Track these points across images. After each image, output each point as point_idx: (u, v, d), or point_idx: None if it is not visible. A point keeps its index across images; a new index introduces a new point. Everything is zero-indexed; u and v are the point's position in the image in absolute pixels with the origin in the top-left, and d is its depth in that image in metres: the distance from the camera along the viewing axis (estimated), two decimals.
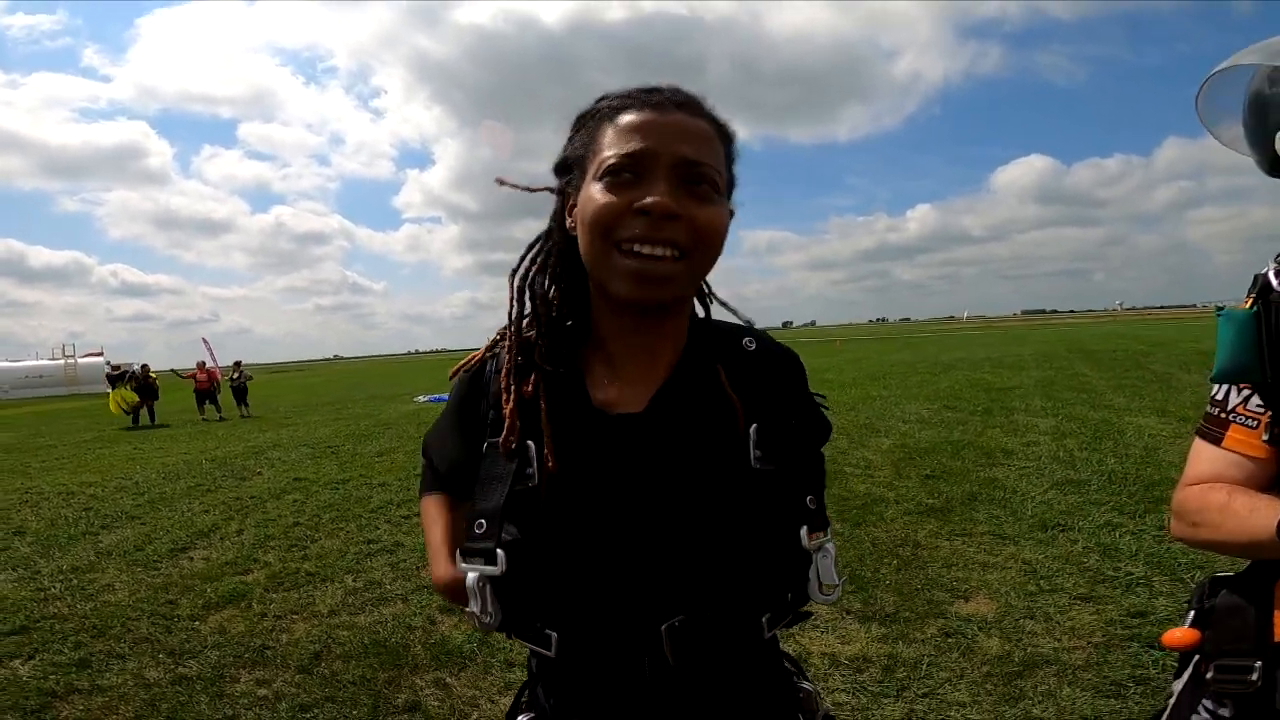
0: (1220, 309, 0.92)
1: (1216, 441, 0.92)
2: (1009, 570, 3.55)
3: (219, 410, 16.61)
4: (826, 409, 0.84)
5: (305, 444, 10.50)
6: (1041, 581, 3.37)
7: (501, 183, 0.85)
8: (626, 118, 0.69)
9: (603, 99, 0.74)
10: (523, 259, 0.79)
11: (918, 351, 25.53)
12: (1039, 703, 2.36)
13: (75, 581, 4.35)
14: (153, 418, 15.80)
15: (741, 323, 0.83)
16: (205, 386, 16.64)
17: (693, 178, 0.68)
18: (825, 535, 0.73)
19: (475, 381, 0.80)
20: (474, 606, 0.70)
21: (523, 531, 0.68)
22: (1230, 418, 0.91)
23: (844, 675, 2.63)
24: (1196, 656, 1.01)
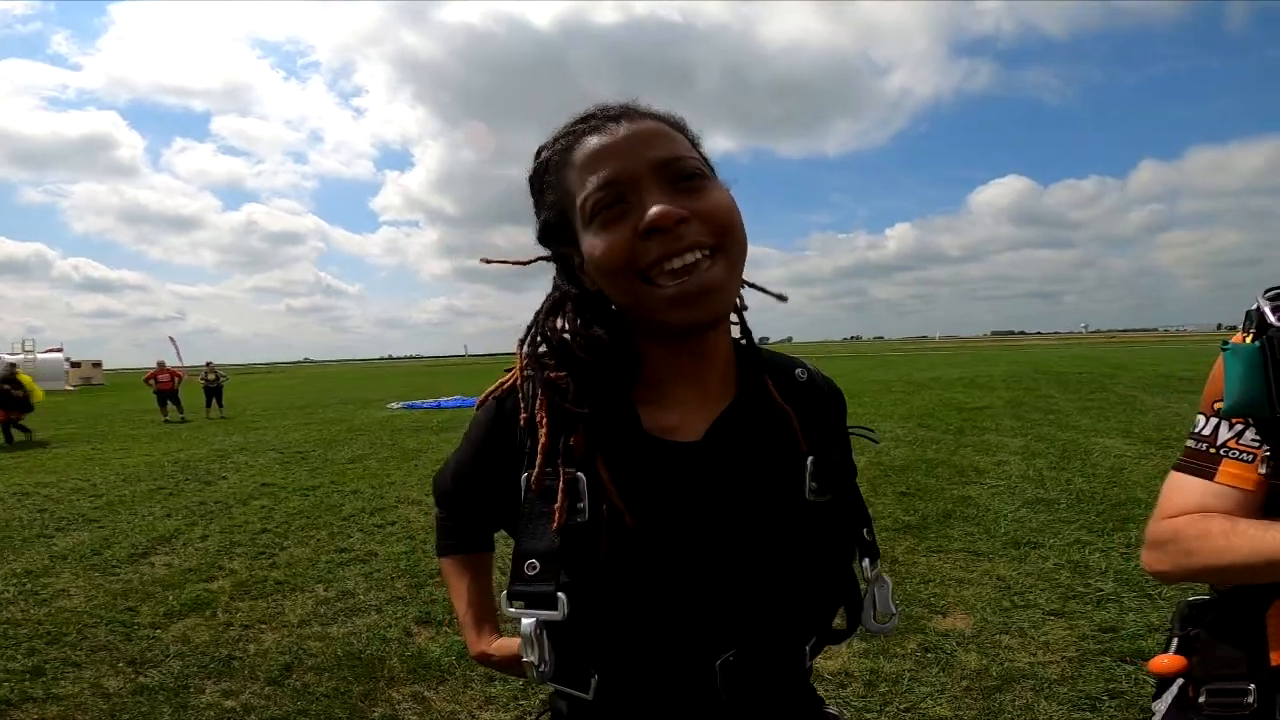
0: (1225, 345, 0.92)
1: (1208, 476, 0.92)
2: (984, 586, 3.60)
3: (181, 411, 16.15)
4: (877, 442, 0.84)
5: (274, 448, 10.25)
6: (1015, 597, 3.42)
7: (488, 261, 0.80)
8: (582, 153, 0.65)
9: (543, 150, 0.71)
10: (534, 326, 0.74)
11: (892, 370, 25.93)
12: (1017, 716, 2.40)
13: (29, 586, 4.18)
14: (9, 438, 11.94)
15: (777, 353, 0.81)
16: (168, 387, 16.19)
17: (677, 175, 0.64)
18: (878, 566, 0.74)
19: (506, 408, 0.72)
20: (530, 655, 0.63)
21: (581, 571, 0.63)
22: (1222, 453, 0.91)
23: (827, 690, 2.63)
24: (1180, 680, 1.02)
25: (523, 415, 0.69)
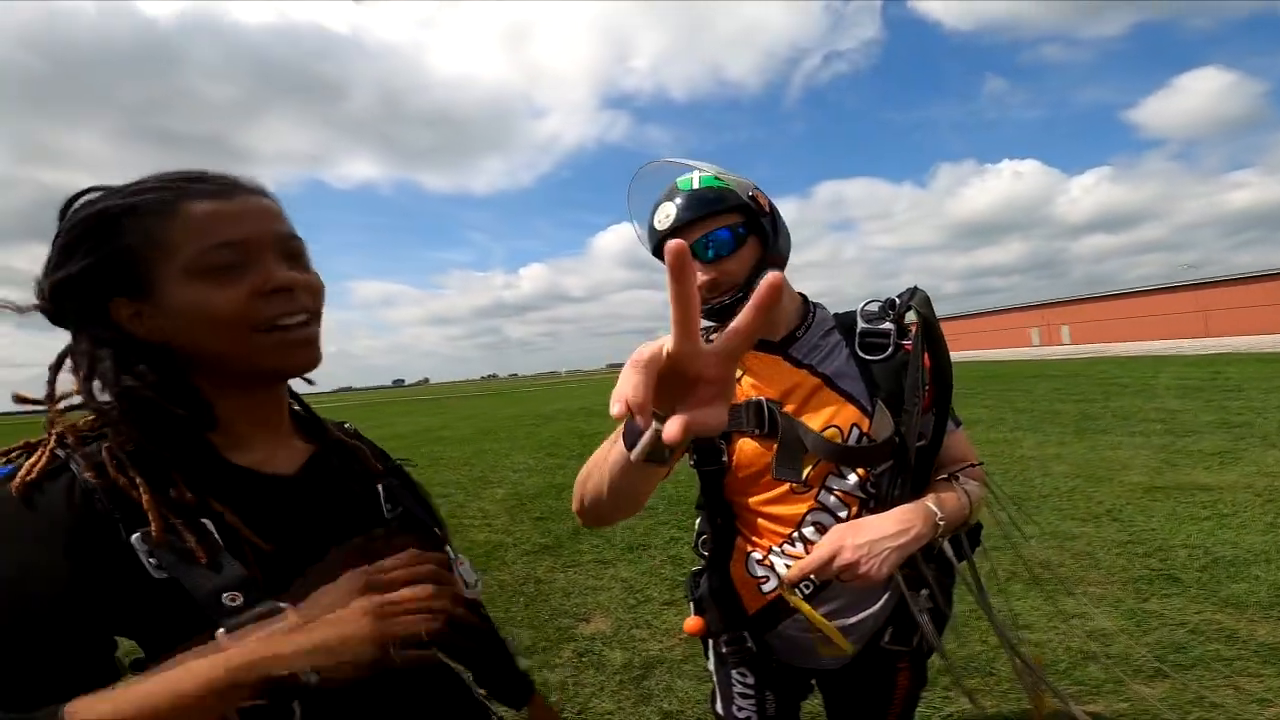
0: None
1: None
2: (613, 590, 4.13)
3: None
4: (414, 465, 1.04)
5: None
6: (638, 595, 4.00)
7: None
8: (199, 209, 0.69)
9: (126, 193, 0.70)
10: (80, 382, 0.70)
11: (524, 405, 27.30)
12: (664, 697, 2.83)
13: None
14: None
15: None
16: None
17: (293, 250, 0.76)
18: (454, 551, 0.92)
19: (66, 486, 0.64)
20: None
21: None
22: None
23: (505, 711, 2.68)
24: (710, 638, 1.32)
25: (97, 482, 0.63)
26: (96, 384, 0.69)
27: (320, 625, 0.63)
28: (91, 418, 0.70)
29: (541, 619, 3.71)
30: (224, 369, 0.72)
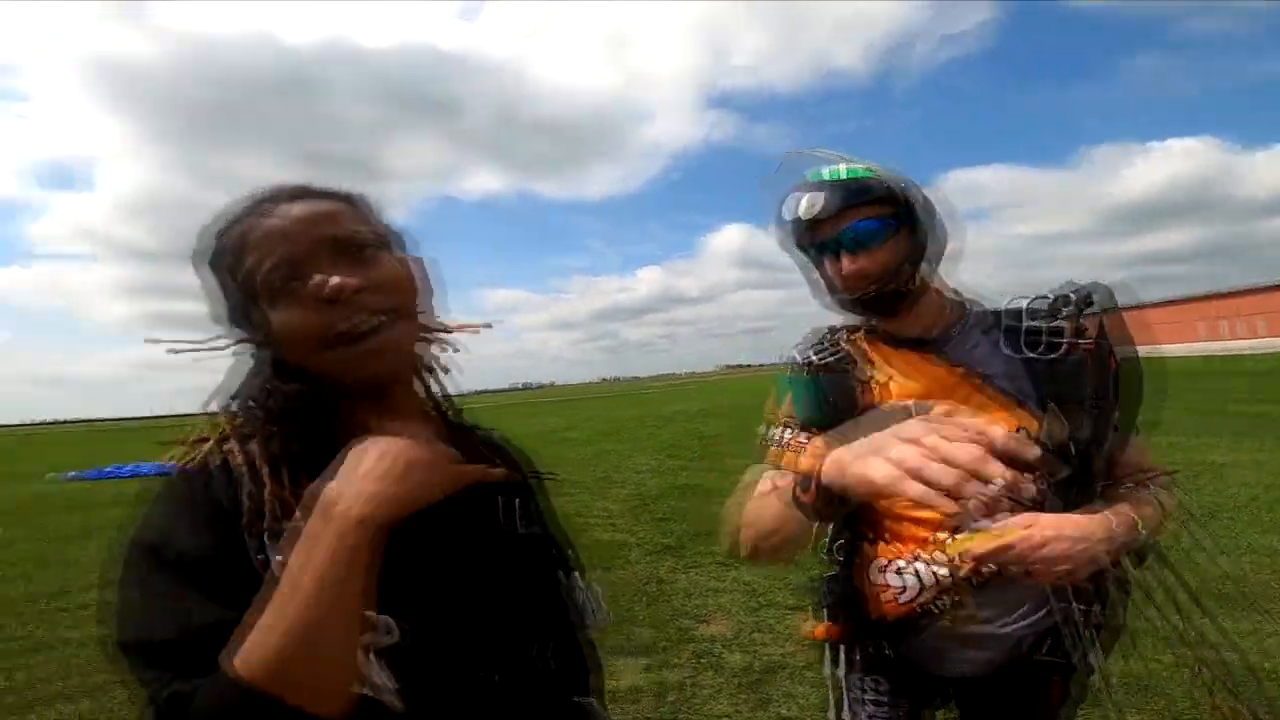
0: (785, 375, 1.27)
1: (774, 464, 1.20)
2: (735, 593, 4.08)
3: None
4: (556, 479, 0.96)
5: None
6: (760, 599, 3.94)
7: (175, 351, 0.76)
8: (258, 235, 0.68)
9: (222, 232, 0.72)
10: (237, 392, 0.73)
11: (644, 407, 27.78)
12: (782, 703, 2.78)
13: None
14: None
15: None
16: None
17: (348, 249, 0.69)
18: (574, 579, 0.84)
19: (214, 473, 0.65)
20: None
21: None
22: (785, 449, 1.20)
23: (623, 708, 2.79)
24: (841, 645, 1.27)
25: (246, 471, 0.64)
26: (252, 387, 0.71)
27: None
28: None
29: (662, 619, 3.74)
30: (332, 382, 0.70)
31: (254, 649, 0.53)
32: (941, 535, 1.10)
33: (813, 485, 0.85)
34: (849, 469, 0.78)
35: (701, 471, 8.97)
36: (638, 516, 6.43)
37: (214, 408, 0.72)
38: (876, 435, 0.76)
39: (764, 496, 1.09)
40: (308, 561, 0.56)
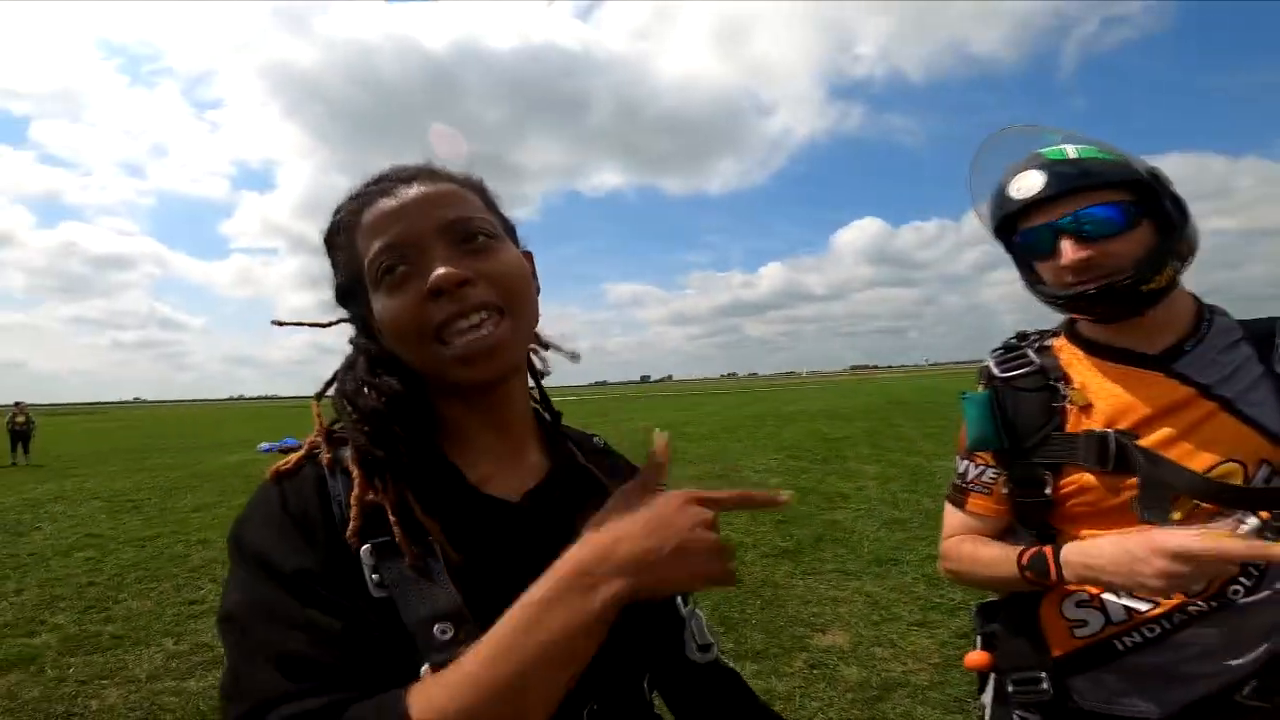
0: (963, 394, 1.15)
1: (961, 506, 1.17)
2: (855, 603, 3.88)
3: None
4: None
5: (98, 497, 8.99)
6: (883, 611, 3.72)
7: (280, 324, 0.75)
8: (370, 215, 0.65)
9: (339, 210, 0.70)
10: (331, 382, 0.71)
11: (763, 405, 27.35)
12: None
13: None
14: None
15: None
16: None
17: (463, 236, 0.64)
18: (690, 603, 0.77)
19: (313, 477, 0.63)
20: None
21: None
22: (969, 487, 1.16)
23: None
24: (994, 674, 1.19)
25: (355, 473, 0.61)
26: (347, 381, 0.68)
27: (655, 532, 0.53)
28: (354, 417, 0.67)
29: (776, 625, 3.62)
30: (429, 380, 0.67)
31: (449, 700, 0.49)
32: None
33: (1050, 576, 0.98)
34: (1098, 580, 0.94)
35: (825, 475, 8.64)
36: (755, 517, 6.28)
37: (328, 396, 0.70)
38: (1125, 549, 0.89)
39: (973, 559, 1.13)
40: (538, 623, 0.50)
